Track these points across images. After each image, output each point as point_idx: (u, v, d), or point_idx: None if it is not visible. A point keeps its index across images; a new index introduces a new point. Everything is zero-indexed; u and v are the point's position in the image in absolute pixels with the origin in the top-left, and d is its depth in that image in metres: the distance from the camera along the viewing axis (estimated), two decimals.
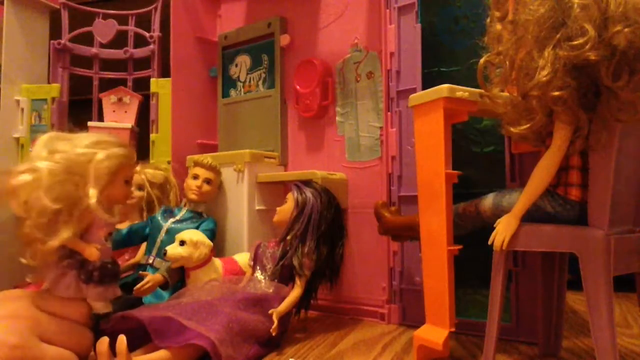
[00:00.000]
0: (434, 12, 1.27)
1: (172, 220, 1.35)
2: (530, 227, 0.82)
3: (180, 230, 1.22)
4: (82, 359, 0.85)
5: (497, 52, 0.83)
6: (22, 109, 1.83)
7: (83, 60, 1.95)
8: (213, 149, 1.68)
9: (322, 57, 1.47)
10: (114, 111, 1.86)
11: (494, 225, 0.85)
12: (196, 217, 1.36)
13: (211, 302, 0.97)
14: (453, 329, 0.92)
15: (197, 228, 1.28)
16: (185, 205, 1.39)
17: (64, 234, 0.83)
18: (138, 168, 1.48)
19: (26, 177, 0.82)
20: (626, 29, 0.68)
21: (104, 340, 0.80)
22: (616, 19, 0.68)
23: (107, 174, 0.89)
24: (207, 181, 1.38)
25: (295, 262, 1.11)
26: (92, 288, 0.88)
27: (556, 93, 0.72)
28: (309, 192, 1.17)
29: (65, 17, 1.90)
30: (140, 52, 1.92)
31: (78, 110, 1.91)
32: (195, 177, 1.38)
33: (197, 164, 1.40)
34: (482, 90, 0.89)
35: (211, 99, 1.73)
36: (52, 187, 0.82)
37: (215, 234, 1.34)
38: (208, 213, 1.40)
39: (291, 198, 1.18)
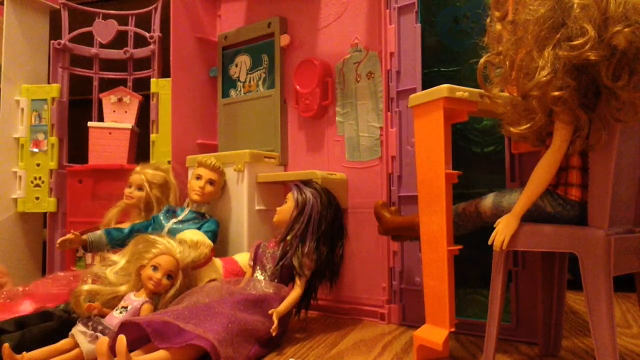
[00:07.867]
0: (434, 12, 1.27)
1: (174, 220, 1.35)
2: (530, 227, 0.82)
3: (182, 230, 1.21)
4: None
5: (497, 52, 0.83)
6: (22, 109, 1.83)
7: (83, 60, 1.95)
8: (213, 149, 1.68)
9: (322, 57, 1.47)
10: (114, 111, 1.86)
11: (494, 225, 0.85)
12: (198, 218, 1.36)
13: (209, 305, 0.97)
14: (453, 329, 0.92)
15: (199, 229, 1.28)
16: (188, 206, 1.39)
17: None
18: (138, 168, 1.48)
19: None
20: (626, 29, 0.68)
21: (104, 341, 0.81)
22: (616, 19, 0.68)
23: None
24: (210, 182, 1.38)
25: (295, 262, 1.11)
26: None
27: (556, 93, 0.72)
28: (309, 192, 1.17)
29: (65, 17, 1.90)
30: (140, 52, 1.93)
31: (78, 111, 1.91)
32: (199, 177, 1.37)
33: (200, 164, 1.39)
34: (482, 90, 0.88)
35: (211, 99, 1.73)
36: None
37: (216, 235, 1.34)
38: (210, 214, 1.40)
39: (291, 198, 1.18)
